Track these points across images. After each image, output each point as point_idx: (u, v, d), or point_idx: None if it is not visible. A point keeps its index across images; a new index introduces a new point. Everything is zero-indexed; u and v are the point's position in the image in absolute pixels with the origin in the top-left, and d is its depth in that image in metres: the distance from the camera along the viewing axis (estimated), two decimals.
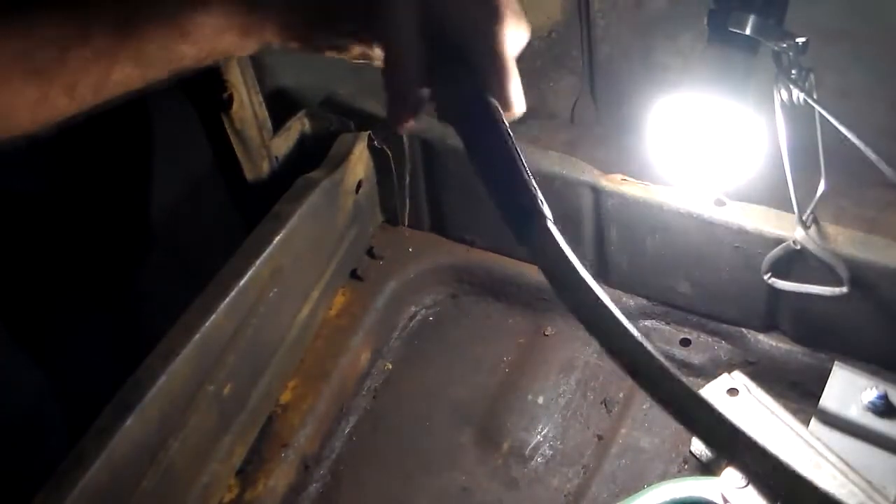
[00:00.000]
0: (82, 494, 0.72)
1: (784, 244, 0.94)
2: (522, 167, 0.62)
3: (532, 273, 1.14)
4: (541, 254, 0.59)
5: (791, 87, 0.83)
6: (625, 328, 0.56)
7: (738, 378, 0.91)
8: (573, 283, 0.58)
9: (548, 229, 0.59)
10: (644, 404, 1.03)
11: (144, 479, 0.80)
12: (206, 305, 0.87)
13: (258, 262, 0.92)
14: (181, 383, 0.83)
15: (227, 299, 0.88)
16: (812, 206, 0.90)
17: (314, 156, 1.08)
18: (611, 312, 0.56)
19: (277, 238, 0.95)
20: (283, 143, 1.12)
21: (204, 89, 1.01)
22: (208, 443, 0.90)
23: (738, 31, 0.82)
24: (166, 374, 0.81)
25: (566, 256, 0.58)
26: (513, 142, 0.63)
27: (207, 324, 0.85)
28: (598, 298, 0.57)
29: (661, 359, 0.54)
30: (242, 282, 0.90)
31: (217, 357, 0.88)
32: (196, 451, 0.88)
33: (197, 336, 0.84)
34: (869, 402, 0.89)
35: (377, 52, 0.69)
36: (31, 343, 1.01)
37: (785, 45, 0.81)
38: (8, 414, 0.98)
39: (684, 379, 0.54)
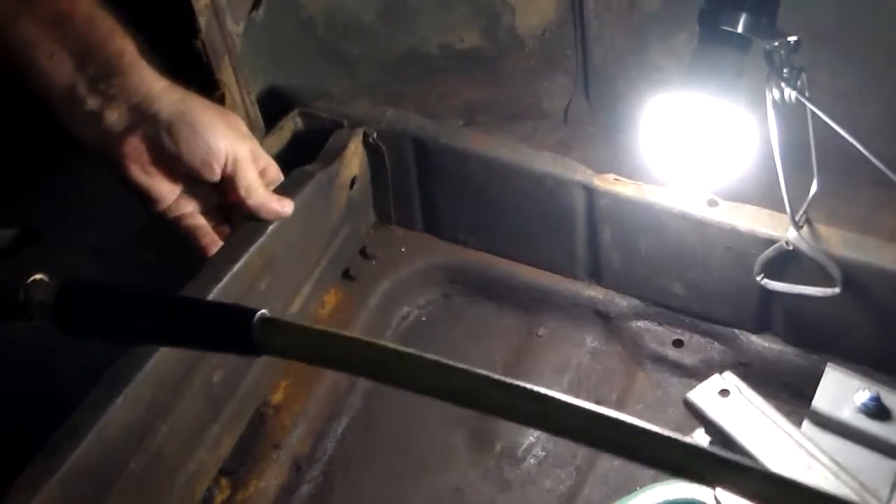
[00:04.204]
0: (72, 469, 0.71)
1: (777, 245, 0.94)
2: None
3: (525, 274, 1.14)
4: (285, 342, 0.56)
5: (783, 86, 0.83)
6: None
7: (729, 379, 0.91)
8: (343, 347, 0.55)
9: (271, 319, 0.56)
10: (637, 405, 1.02)
11: (132, 460, 0.79)
12: (199, 290, 0.86)
13: (251, 250, 0.91)
14: (173, 365, 0.83)
15: (220, 284, 0.87)
16: (805, 206, 0.90)
17: (307, 155, 1.08)
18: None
19: (271, 227, 0.94)
20: (275, 143, 1.12)
21: (196, 89, 1.01)
22: (196, 429, 0.89)
23: (729, 30, 0.82)
24: (157, 356, 0.80)
25: (303, 329, 0.56)
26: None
27: None
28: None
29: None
30: (235, 268, 0.89)
31: None
32: (184, 437, 0.87)
33: None
34: (861, 404, 0.88)
35: None
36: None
37: (777, 44, 0.81)
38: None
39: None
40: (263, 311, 0.56)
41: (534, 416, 0.51)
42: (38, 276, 0.62)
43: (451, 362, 0.52)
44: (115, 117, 0.81)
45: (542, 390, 0.50)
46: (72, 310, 0.62)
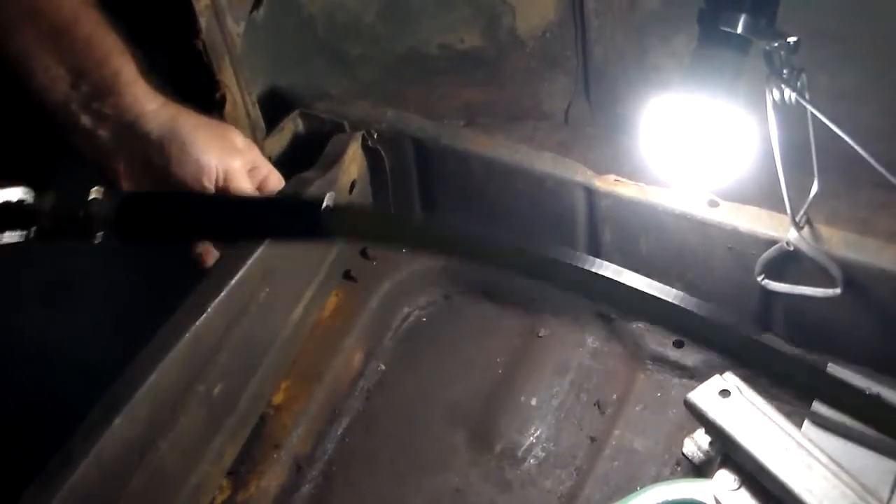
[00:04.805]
0: (70, 494, 0.71)
1: (777, 245, 0.94)
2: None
3: None
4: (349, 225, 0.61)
5: (783, 86, 0.83)
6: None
7: (730, 379, 0.91)
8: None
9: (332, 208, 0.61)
10: (637, 406, 1.02)
11: (133, 478, 0.80)
12: (197, 304, 0.87)
13: (250, 262, 0.91)
14: (171, 382, 0.83)
15: (219, 298, 0.88)
16: (805, 207, 0.90)
17: (308, 156, 1.08)
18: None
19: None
20: (276, 144, 1.12)
21: (196, 90, 1.01)
22: (198, 443, 0.90)
23: (729, 31, 0.82)
24: (156, 373, 0.80)
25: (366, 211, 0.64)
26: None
27: (198, 322, 0.85)
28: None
29: None
30: (234, 281, 0.89)
31: (208, 356, 0.88)
32: (186, 452, 0.87)
33: (188, 335, 0.84)
34: None
35: None
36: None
37: (776, 45, 0.81)
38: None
39: None
40: (328, 198, 0.61)
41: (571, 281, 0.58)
42: (96, 195, 0.64)
43: (487, 234, 0.58)
44: (107, 136, 0.83)
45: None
46: (135, 221, 0.64)
